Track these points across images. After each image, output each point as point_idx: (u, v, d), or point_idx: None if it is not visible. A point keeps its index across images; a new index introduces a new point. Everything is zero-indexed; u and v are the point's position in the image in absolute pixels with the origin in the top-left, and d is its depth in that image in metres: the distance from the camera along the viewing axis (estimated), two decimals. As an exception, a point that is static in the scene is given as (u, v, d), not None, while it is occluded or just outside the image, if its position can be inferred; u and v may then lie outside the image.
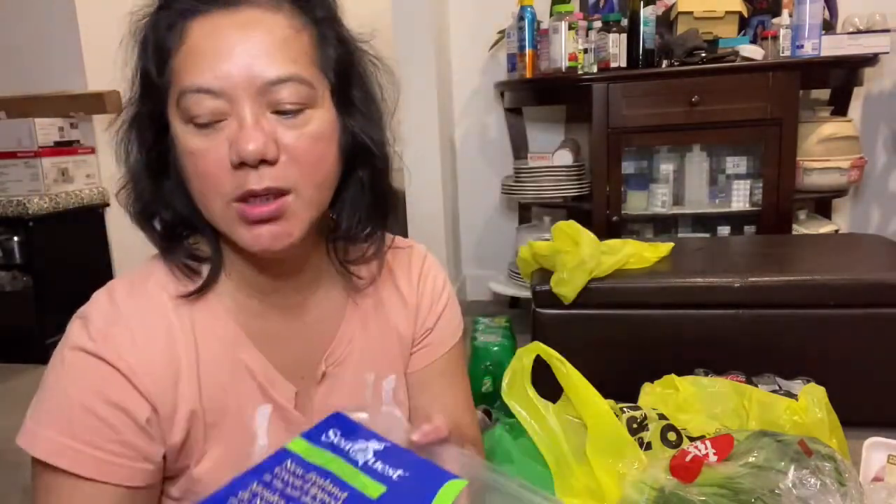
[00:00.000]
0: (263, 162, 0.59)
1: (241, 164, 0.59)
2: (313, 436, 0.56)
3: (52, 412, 0.61)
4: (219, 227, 0.64)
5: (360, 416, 0.59)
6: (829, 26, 2.23)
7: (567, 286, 1.55)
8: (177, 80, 0.61)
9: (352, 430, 0.57)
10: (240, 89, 0.59)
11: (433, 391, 0.82)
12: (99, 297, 0.66)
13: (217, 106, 0.59)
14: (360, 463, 0.54)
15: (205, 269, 0.68)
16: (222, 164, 0.59)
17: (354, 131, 0.67)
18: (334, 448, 0.55)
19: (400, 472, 0.53)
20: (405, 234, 2.57)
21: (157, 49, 0.62)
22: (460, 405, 0.84)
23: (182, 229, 0.69)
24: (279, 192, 0.61)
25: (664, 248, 1.72)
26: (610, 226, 2.24)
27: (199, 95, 0.59)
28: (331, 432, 0.57)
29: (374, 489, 0.51)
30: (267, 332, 0.71)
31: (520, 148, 2.68)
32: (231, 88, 0.59)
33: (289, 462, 0.54)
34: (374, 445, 0.55)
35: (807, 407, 0.94)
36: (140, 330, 0.64)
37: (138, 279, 0.68)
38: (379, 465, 0.53)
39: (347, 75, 0.67)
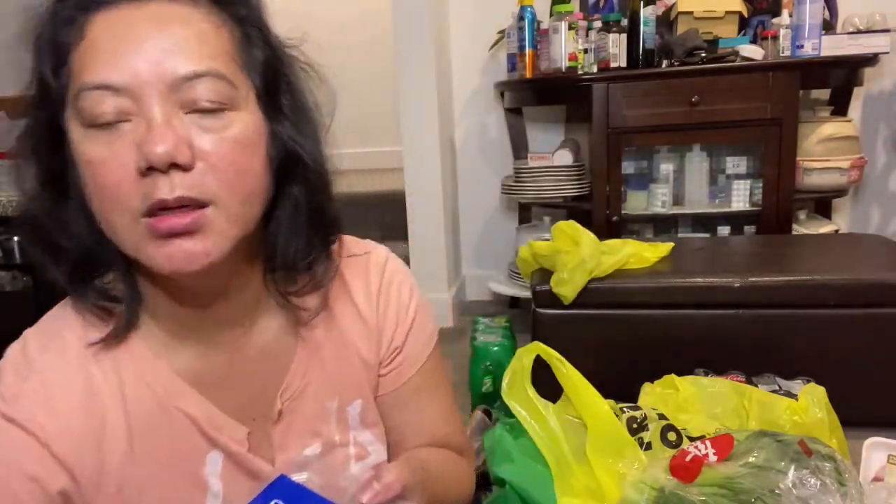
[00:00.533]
0: (175, 167, 0.51)
1: (149, 170, 0.51)
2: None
3: None
4: (125, 249, 0.55)
5: (301, 478, 0.58)
6: (829, 26, 2.23)
7: (567, 286, 1.55)
8: (75, 80, 0.53)
9: (298, 496, 0.55)
10: (148, 85, 0.51)
11: (410, 409, 0.75)
12: (12, 350, 0.60)
13: (121, 104, 0.51)
14: None
15: (120, 311, 0.60)
16: (127, 173, 0.51)
17: (284, 139, 0.59)
18: None
19: None
20: (405, 235, 2.58)
21: (53, 47, 0.54)
22: (441, 418, 0.77)
23: (90, 266, 0.59)
24: (195, 204, 0.53)
25: (664, 248, 1.72)
26: (610, 226, 2.24)
27: (100, 92, 0.51)
28: (273, 503, 0.54)
29: None
30: (207, 373, 0.63)
31: (520, 148, 2.68)
32: (137, 85, 0.51)
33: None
34: None
35: (807, 407, 0.94)
36: (55, 387, 0.57)
37: (52, 328, 0.61)
38: None
39: (275, 80, 0.59)
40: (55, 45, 0.54)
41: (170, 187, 0.51)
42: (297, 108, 0.61)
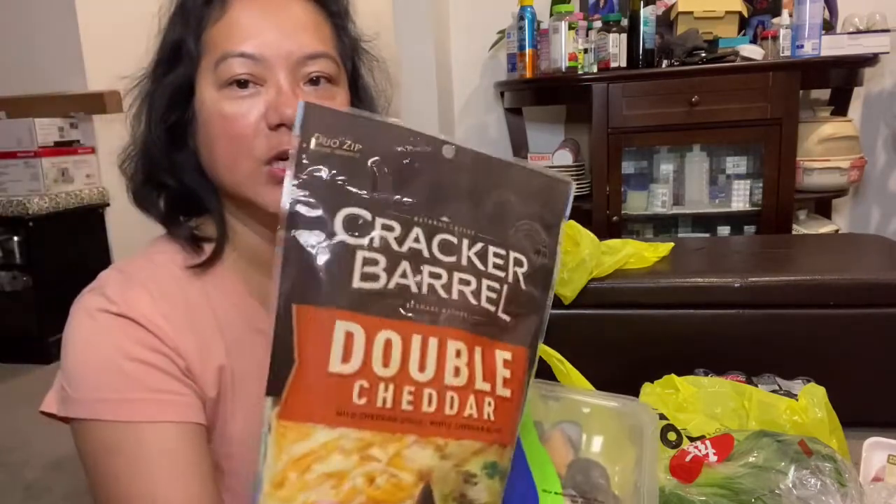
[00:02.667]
0: None
1: (277, 126, 0.62)
2: None
3: (96, 372, 0.60)
4: (242, 189, 0.65)
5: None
6: (829, 26, 2.23)
7: (567, 286, 1.55)
8: (214, 48, 0.64)
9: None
10: (280, 58, 0.63)
11: None
12: (107, 272, 0.67)
13: (257, 71, 0.63)
14: None
15: (208, 248, 0.69)
16: (258, 127, 0.63)
17: None
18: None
19: None
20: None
21: (194, 20, 0.66)
22: None
23: (185, 205, 0.71)
24: None
25: (664, 248, 1.72)
26: (610, 226, 2.24)
27: (241, 60, 0.63)
28: None
29: None
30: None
31: (520, 148, 2.68)
32: (272, 56, 0.63)
33: None
34: None
35: (807, 407, 0.94)
36: (158, 292, 0.64)
37: (145, 255, 0.69)
38: None
39: (357, 68, 0.73)
40: (197, 19, 0.65)
41: (293, 141, 0.60)
42: (369, 94, 0.76)
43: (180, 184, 0.69)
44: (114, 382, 0.60)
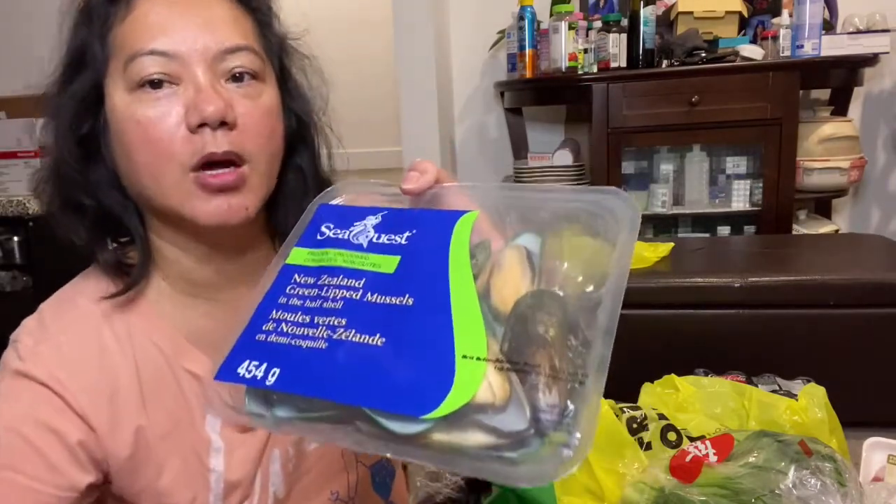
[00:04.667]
0: (222, 125, 0.58)
1: (199, 127, 0.57)
2: (308, 240, 0.52)
3: None
4: (169, 202, 0.60)
5: (341, 200, 0.55)
6: (829, 26, 2.23)
7: (567, 286, 1.55)
8: (121, 49, 0.59)
9: (343, 215, 0.53)
10: (196, 53, 0.58)
11: None
12: (28, 320, 0.64)
13: (171, 69, 0.58)
14: (366, 245, 0.49)
15: (131, 278, 0.64)
16: (177, 130, 0.58)
17: (297, 113, 0.68)
18: (333, 242, 0.51)
19: (407, 233, 0.49)
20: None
21: (98, 20, 0.60)
22: None
23: (108, 227, 0.65)
24: (238, 160, 0.59)
25: (664, 248, 1.72)
26: (610, 226, 2.24)
27: (153, 58, 0.58)
28: (324, 228, 0.52)
29: (388, 264, 0.47)
30: (212, 332, 0.67)
31: (520, 148, 2.68)
32: (187, 52, 0.58)
33: (296, 276, 0.49)
34: (372, 220, 0.51)
35: (807, 407, 0.94)
36: (70, 345, 0.61)
37: (66, 297, 0.65)
38: (384, 238, 0.49)
39: (285, 67, 0.69)
40: (102, 19, 0.60)
41: (218, 143, 0.58)
42: (301, 92, 0.70)
43: (98, 203, 0.63)
44: None
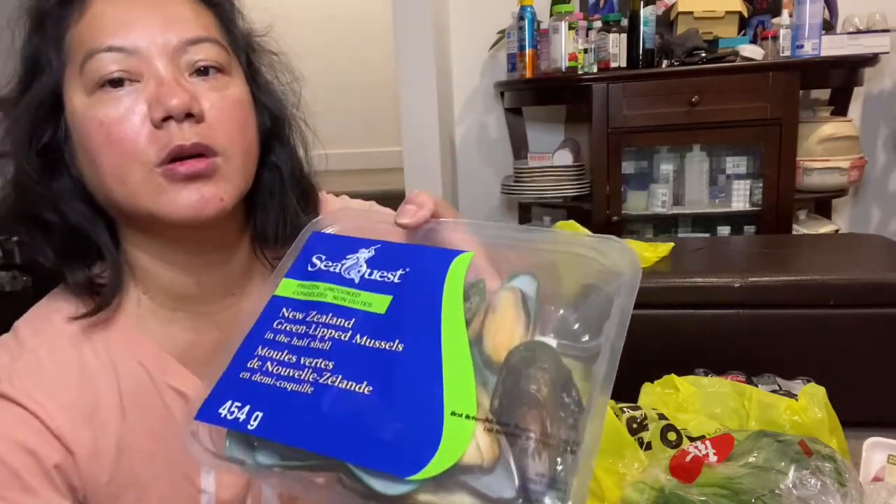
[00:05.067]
0: (189, 117, 0.55)
1: (164, 121, 0.55)
2: (298, 271, 0.49)
3: None
4: (137, 202, 0.57)
5: (335, 229, 0.53)
6: (829, 26, 2.23)
7: (567, 286, 1.55)
8: (78, 49, 0.56)
9: (335, 246, 0.50)
10: (156, 47, 0.56)
11: None
12: (3, 339, 0.61)
13: (131, 65, 0.55)
14: (358, 280, 0.47)
15: (102, 297, 0.61)
16: (142, 126, 0.55)
17: (270, 109, 0.65)
18: (324, 275, 0.48)
19: (401, 271, 0.47)
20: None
21: (51, 23, 0.58)
22: None
23: (78, 245, 0.61)
24: (208, 152, 0.57)
25: (664, 248, 1.72)
26: (610, 226, 2.24)
27: (111, 55, 0.55)
28: (315, 259, 0.50)
29: (380, 303, 0.45)
30: (196, 347, 0.65)
31: (520, 148, 2.68)
32: (146, 46, 0.56)
33: (284, 310, 0.47)
34: (365, 254, 0.48)
35: (807, 407, 0.94)
36: (48, 365, 0.58)
37: (41, 314, 0.62)
38: (376, 275, 0.47)
39: (252, 63, 0.66)
40: (55, 22, 0.58)
41: (185, 135, 0.55)
42: (271, 89, 0.68)
43: (63, 218, 0.59)
44: None
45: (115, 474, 0.60)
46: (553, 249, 0.47)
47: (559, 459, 0.37)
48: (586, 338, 0.43)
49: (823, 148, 2.20)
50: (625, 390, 1.09)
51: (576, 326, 0.43)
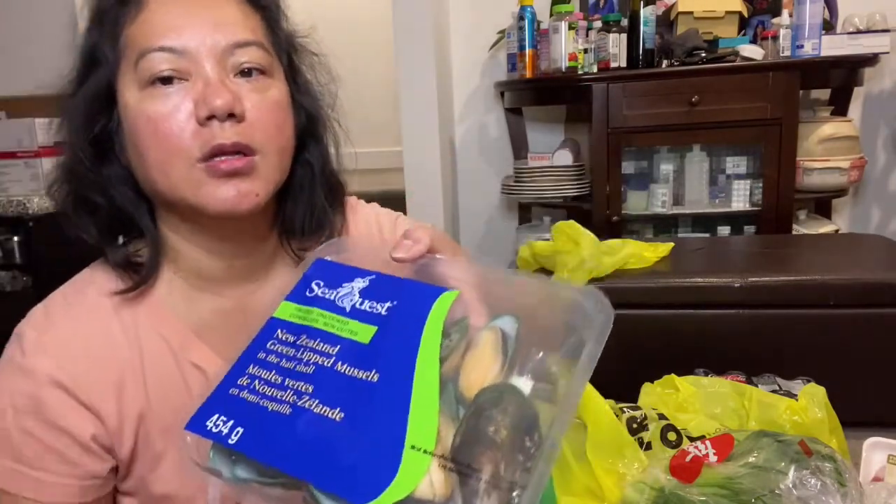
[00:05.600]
0: (230, 117, 0.59)
1: (208, 119, 0.58)
2: (299, 295, 0.52)
3: None
4: (179, 193, 0.61)
5: (341, 257, 0.55)
6: (829, 26, 2.23)
7: (567, 286, 1.55)
8: (133, 48, 0.60)
9: (335, 273, 0.53)
10: (204, 48, 0.60)
11: None
12: (34, 311, 0.64)
13: (180, 64, 0.59)
14: (349, 309, 0.50)
15: (141, 274, 0.66)
16: (188, 123, 0.59)
17: (306, 108, 0.69)
18: (320, 302, 0.51)
19: (388, 304, 0.49)
20: (405, 234, 2.59)
21: (109, 21, 0.62)
22: None
23: (120, 225, 0.67)
24: (247, 150, 0.61)
25: (664, 248, 1.72)
26: (610, 226, 2.24)
27: (162, 54, 0.59)
28: (314, 285, 0.52)
29: (365, 333, 0.48)
30: (220, 327, 0.68)
31: (520, 148, 2.68)
32: (196, 48, 0.59)
33: (279, 331, 0.50)
34: (360, 284, 0.51)
35: (807, 407, 0.94)
36: (75, 337, 0.61)
37: (75, 288, 0.66)
38: (367, 305, 0.49)
39: (294, 63, 0.70)
40: (112, 20, 0.62)
41: (227, 134, 0.59)
42: (310, 89, 0.72)
43: (111, 202, 0.65)
44: (10, 451, 0.59)
45: (135, 443, 0.63)
46: (540, 291, 0.50)
47: (508, 500, 0.38)
48: (563, 382, 0.44)
49: (823, 148, 2.20)
50: (625, 390, 1.09)
51: (553, 369, 0.45)
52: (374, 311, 0.49)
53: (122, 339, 0.63)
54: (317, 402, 0.44)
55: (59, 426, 0.59)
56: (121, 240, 0.67)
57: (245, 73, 0.62)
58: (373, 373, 0.45)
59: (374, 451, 0.41)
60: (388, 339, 0.47)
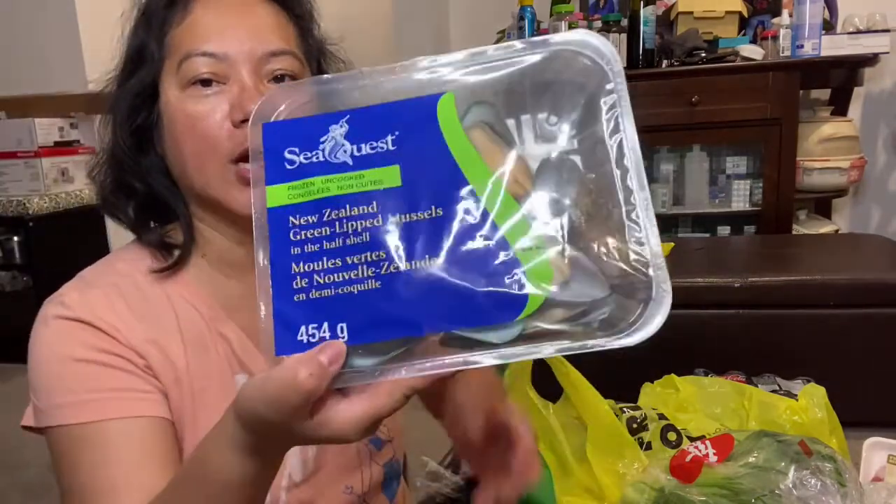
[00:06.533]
0: None
1: (242, 123, 0.62)
2: (278, 172, 0.45)
3: (52, 379, 0.61)
4: (212, 190, 0.65)
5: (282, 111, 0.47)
6: (829, 26, 2.23)
7: (567, 286, 1.55)
8: (177, 49, 0.65)
9: (299, 132, 0.45)
10: (242, 55, 0.64)
11: None
12: (68, 283, 0.67)
13: (220, 69, 0.63)
14: (351, 162, 0.44)
15: (177, 254, 0.69)
16: (222, 125, 0.63)
17: None
18: (311, 168, 0.44)
19: (390, 136, 0.44)
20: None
21: (157, 23, 0.66)
22: None
23: (155, 210, 0.70)
24: None
25: (664, 248, 1.71)
26: (610, 226, 2.24)
27: (204, 59, 0.63)
28: (288, 154, 0.45)
29: (391, 176, 0.43)
30: (247, 311, 0.70)
31: (520, 148, 2.68)
32: (235, 54, 0.64)
33: (291, 219, 0.43)
34: (339, 130, 0.45)
35: (807, 407, 0.94)
36: (115, 296, 0.64)
37: (105, 263, 0.70)
38: (366, 149, 0.44)
39: (323, 70, 0.74)
40: (159, 21, 0.66)
41: None
42: None
43: (148, 188, 0.69)
44: (69, 386, 0.60)
45: (178, 391, 0.65)
46: (523, 59, 0.44)
47: (630, 253, 0.42)
48: (573, 133, 0.43)
49: (823, 148, 2.20)
50: (625, 390, 1.09)
51: (559, 124, 0.43)
52: (381, 150, 0.44)
53: (158, 304, 0.66)
54: (398, 261, 0.41)
55: (111, 352, 0.62)
56: (152, 224, 0.71)
57: (278, 79, 0.66)
58: (433, 209, 0.42)
59: (491, 271, 0.40)
60: (419, 171, 0.43)
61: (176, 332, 0.66)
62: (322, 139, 0.45)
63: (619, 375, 1.07)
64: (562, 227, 0.41)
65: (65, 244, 2.29)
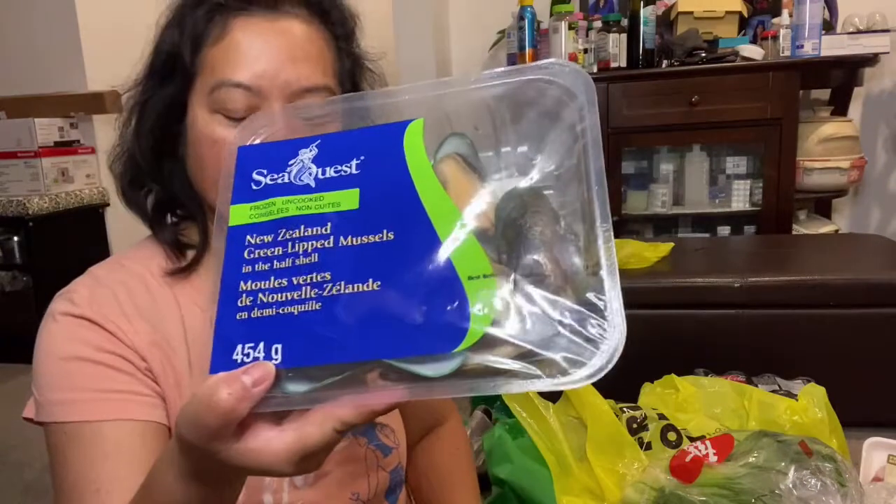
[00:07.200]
0: None
1: None
2: (244, 193, 0.45)
3: (52, 375, 0.61)
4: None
5: (263, 136, 0.48)
6: (829, 26, 2.23)
7: (567, 286, 1.55)
8: (211, 71, 0.63)
9: (271, 155, 0.46)
10: (276, 88, 0.62)
11: None
12: (79, 278, 0.68)
13: (251, 101, 0.62)
14: (314, 184, 0.44)
15: (190, 254, 0.69)
16: None
17: None
18: (276, 189, 0.44)
19: (355, 161, 0.44)
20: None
21: (193, 35, 0.64)
22: None
23: (169, 211, 0.71)
24: None
25: (664, 248, 1.72)
26: (610, 226, 2.24)
27: (237, 90, 0.62)
28: (256, 176, 0.45)
29: (349, 199, 0.43)
30: None
31: (520, 148, 2.68)
32: (268, 88, 0.62)
33: (248, 238, 0.44)
34: (308, 154, 0.45)
35: (807, 407, 0.94)
36: (123, 295, 0.64)
37: (116, 261, 0.70)
38: (330, 172, 0.44)
39: (357, 86, 0.72)
40: (195, 34, 0.64)
41: None
42: None
43: (165, 189, 0.69)
44: (69, 384, 0.61)
45: (178, 395, 0.64)
46: (482, 94, 0.44)
47: (584, 286, 0.39)
48: (552, 167, 0.42)
49: (823, 148, 2.20)
50: (625, 390, 1.09)
51: (536, 159, 0.43)
52: (344, 173, 0.44)
53: (164, 304, 0.66)
54: (343, 283, 0.40)
55: (113, 353, 0.61)
56: (169, 219, 0.71)
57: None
58: (384, 232, 0.41)
59: (433, 299, 0.38)
60: (378, 195, 0.42)
61: (181, 335, 0.66)
62: (290, 162, 0.45)
63: (619, 375, 1.08)
64: (515, 261, 0.39)
65: (65, 244, 2.29)
